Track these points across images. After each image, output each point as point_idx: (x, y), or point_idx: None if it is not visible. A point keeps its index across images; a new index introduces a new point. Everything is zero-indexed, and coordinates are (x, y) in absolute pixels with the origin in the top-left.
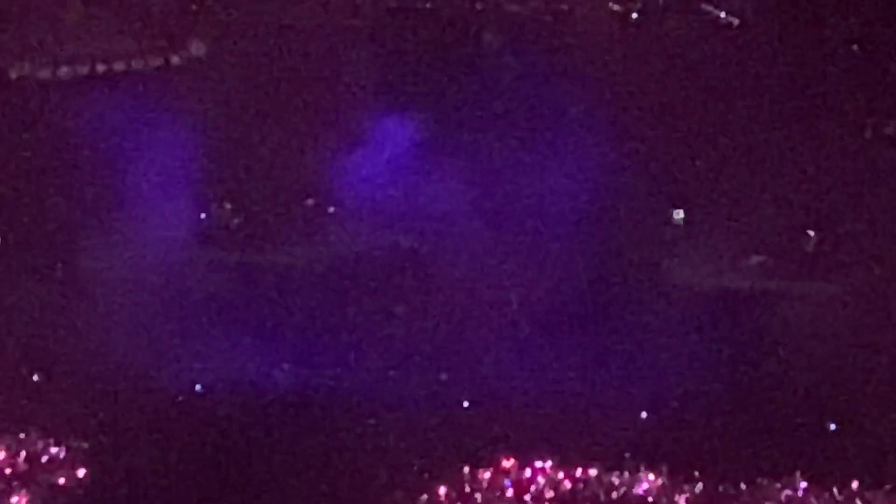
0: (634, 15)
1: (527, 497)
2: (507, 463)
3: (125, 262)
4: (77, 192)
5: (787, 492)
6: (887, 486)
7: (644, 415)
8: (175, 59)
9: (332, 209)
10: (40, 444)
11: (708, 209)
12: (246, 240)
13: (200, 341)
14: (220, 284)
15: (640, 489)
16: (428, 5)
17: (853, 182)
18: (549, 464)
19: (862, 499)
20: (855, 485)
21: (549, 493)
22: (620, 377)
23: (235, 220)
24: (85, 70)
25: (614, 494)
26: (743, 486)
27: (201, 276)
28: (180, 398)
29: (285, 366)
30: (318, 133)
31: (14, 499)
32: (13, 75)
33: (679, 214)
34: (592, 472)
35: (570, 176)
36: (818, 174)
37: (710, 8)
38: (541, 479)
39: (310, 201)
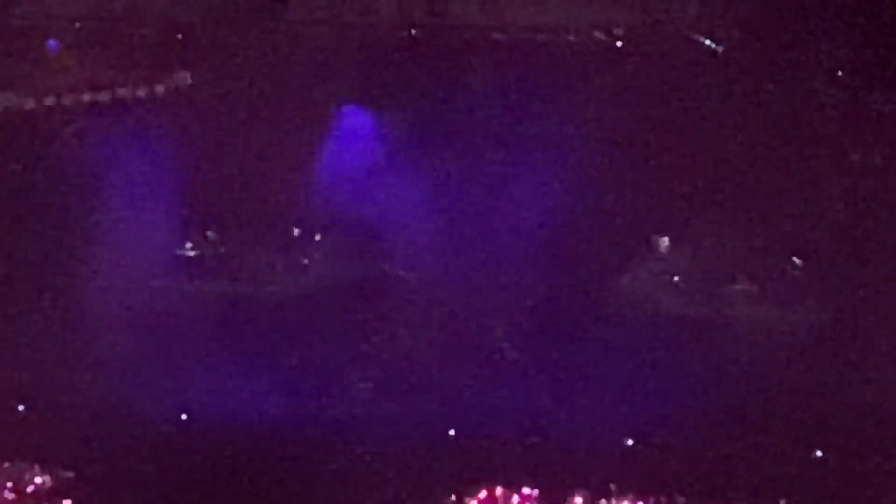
0: (619, 43)
1: None
2: (494, 491)
3: (110, 290)
4: (60, 221)
5: None
6: None
7: (630, 442)
8: (159, 89)
9: (318, 237)
10: (27, 474)
11: (693, 235)
12: (232, 269)
13: (188, 370)
14: (206, 313)
15: None
16: (414, 32)
17: (837, 209)
18: (535, 492)
19: None
20: None
21: None
22: (606, 405)
23: (221, 249)
24: (70, 100)
25: None
26: None
27: (187, 305)
28: (167, 428)
29: (272, 395)
30: (304, 161)
31: None
32: None
33: (664, 242)
34: (579, 500)
35: (556, 205)
36: (801, 200)
37: (695, 36)
38: None
39: (296, 231)
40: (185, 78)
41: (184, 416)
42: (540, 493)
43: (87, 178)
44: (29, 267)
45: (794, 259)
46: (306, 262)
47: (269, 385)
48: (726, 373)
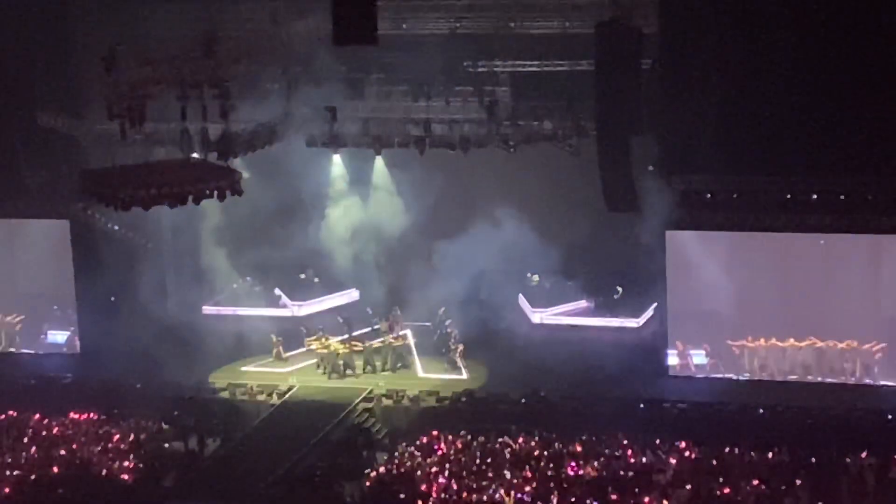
0: (512, 150)
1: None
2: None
3: (193, 306)
4: (161, 265)
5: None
6: None
7: (522, 399)
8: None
9: (316, 279)
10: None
11: (552, 273)
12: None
13: None
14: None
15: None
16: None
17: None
18: (461, 433)
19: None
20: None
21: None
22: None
23: (256, 288)
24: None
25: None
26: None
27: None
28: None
29: None
30: (302, 234)
31: None
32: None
33: (535, 277)
34: (481, 438)
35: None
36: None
37: (556, 143)
38: (459, 443)
39: (302, 275)
40: (241, 175)
41: None
42: (464, 433)
43: (181, 239)
44: (137, 291)
45: (618, 288)
46: (309, 291)
47: None
48: (566, 352)
